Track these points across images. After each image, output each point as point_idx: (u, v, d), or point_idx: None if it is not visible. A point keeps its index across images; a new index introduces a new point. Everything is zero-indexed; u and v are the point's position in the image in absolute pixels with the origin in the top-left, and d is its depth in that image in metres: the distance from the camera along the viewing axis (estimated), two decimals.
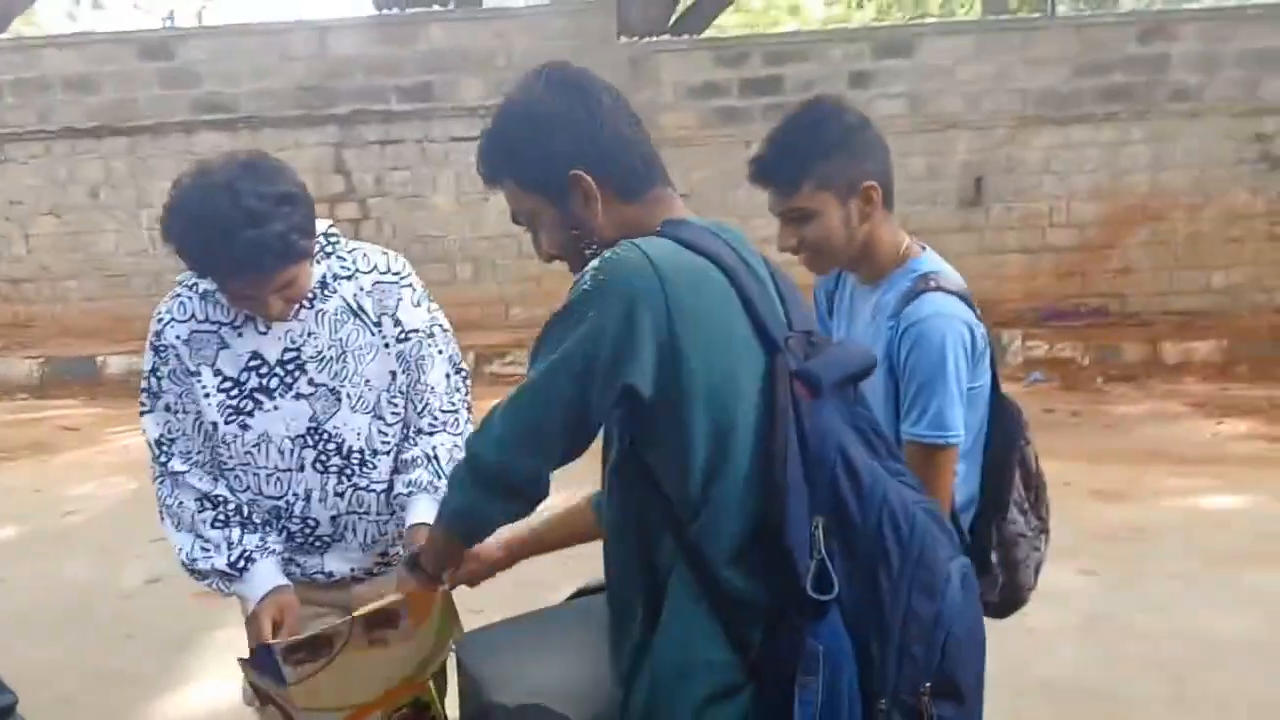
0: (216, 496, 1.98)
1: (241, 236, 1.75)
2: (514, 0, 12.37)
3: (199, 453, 1.99)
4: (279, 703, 1.63)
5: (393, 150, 9.42)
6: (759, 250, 1.51)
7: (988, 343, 1.90)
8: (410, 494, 1.99)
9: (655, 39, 9.72)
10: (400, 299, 2.04)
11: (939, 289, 1.83)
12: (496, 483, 1.41)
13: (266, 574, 1.96)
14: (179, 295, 1.98)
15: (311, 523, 2.02)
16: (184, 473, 1.98)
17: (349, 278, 2.01)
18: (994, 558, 1.98)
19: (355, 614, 1.65)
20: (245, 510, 2.00)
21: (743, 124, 9.10)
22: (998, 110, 9.21)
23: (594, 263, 1.36)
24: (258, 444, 1.98)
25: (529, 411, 1.37)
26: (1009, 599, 2.04)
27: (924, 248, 1.96)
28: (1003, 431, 1.97)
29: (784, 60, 9.30)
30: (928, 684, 1.28)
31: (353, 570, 2.07)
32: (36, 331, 9.61)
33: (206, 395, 1.95)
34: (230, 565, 1.95)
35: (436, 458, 2.01)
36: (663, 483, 1.35)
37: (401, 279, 2.06)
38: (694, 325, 1.31)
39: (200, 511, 1.97)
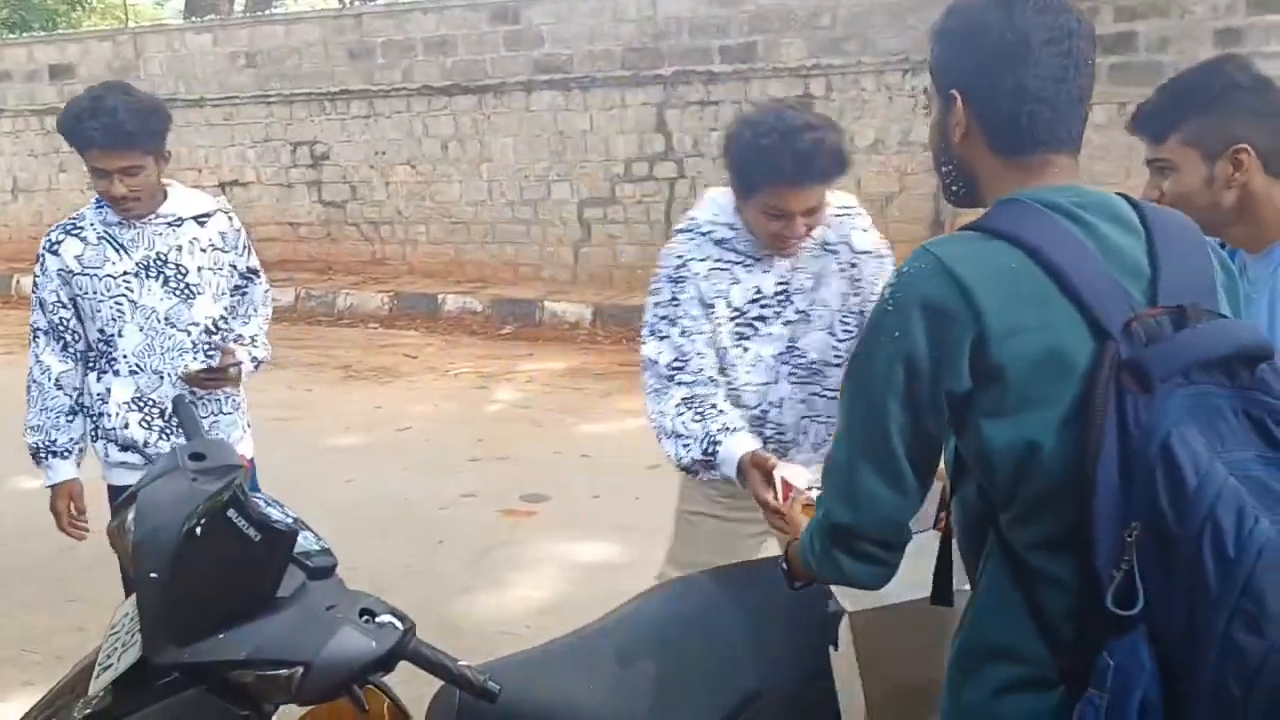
0: (698, 397, 2.22)
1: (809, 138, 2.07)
2: None
3: (713, 367, 2.26)
4: None
5: (711, 111, 9.60)
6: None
7: None
8: None
9: None
10: (854, 226, 2.33)
11: None
12: (859, 544, 1.36)
13: (741, 445, 2.12)
14: (694, 239, 2.28)
15: (781, 427, 2.31)
16: (687, 383, 2.23)
17: None
18: None
19: None
20: (720, 405, 2.21)
21: None
22: None
23: (889, 278, 1.34)
24: (753, 364, 2.28)
25: (871, 449, 1.32)
26: None
27: None
28: None
29: (1135, 16, 8.53)
30: None
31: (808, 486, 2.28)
32: (388, 268, 10.75)
33: (719, 325, 2.24)
34: (704, 454, 2.17)
35: None
36: (976, 474, 1.33)
37: (853, 210, 2.34)
38: (1000, 328, 1.23)
39: (679, 415, 2.21)
